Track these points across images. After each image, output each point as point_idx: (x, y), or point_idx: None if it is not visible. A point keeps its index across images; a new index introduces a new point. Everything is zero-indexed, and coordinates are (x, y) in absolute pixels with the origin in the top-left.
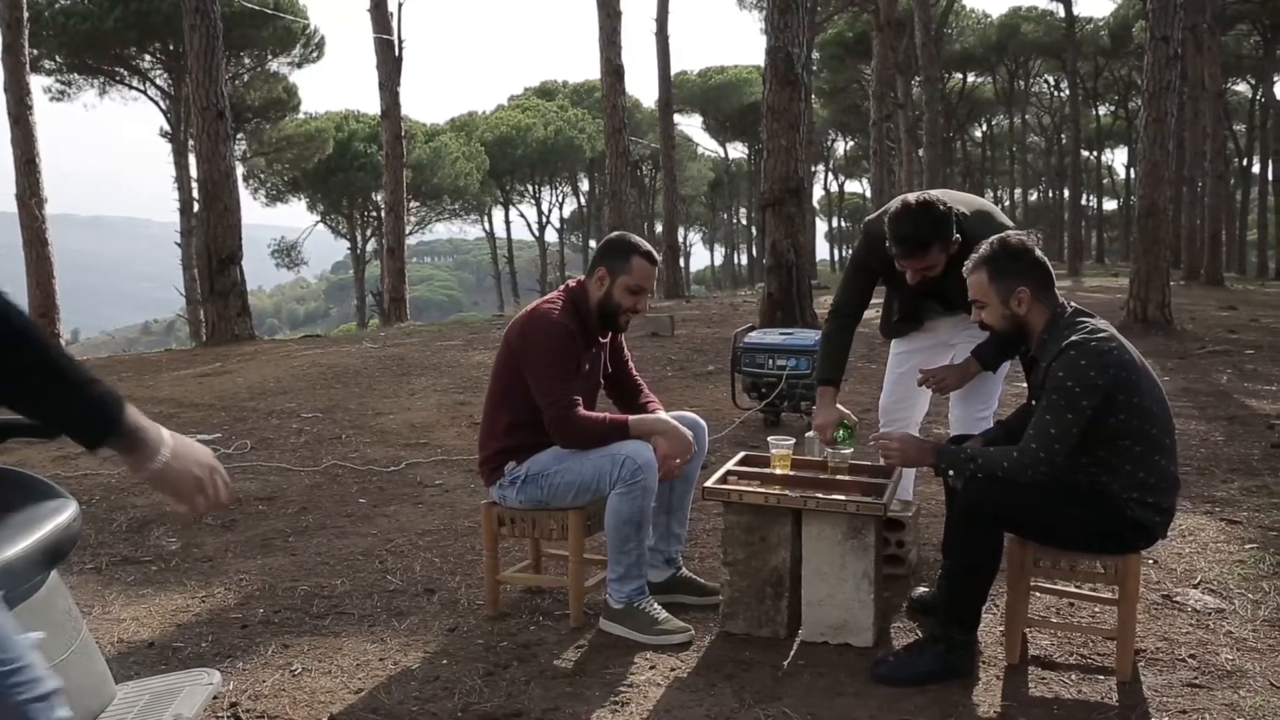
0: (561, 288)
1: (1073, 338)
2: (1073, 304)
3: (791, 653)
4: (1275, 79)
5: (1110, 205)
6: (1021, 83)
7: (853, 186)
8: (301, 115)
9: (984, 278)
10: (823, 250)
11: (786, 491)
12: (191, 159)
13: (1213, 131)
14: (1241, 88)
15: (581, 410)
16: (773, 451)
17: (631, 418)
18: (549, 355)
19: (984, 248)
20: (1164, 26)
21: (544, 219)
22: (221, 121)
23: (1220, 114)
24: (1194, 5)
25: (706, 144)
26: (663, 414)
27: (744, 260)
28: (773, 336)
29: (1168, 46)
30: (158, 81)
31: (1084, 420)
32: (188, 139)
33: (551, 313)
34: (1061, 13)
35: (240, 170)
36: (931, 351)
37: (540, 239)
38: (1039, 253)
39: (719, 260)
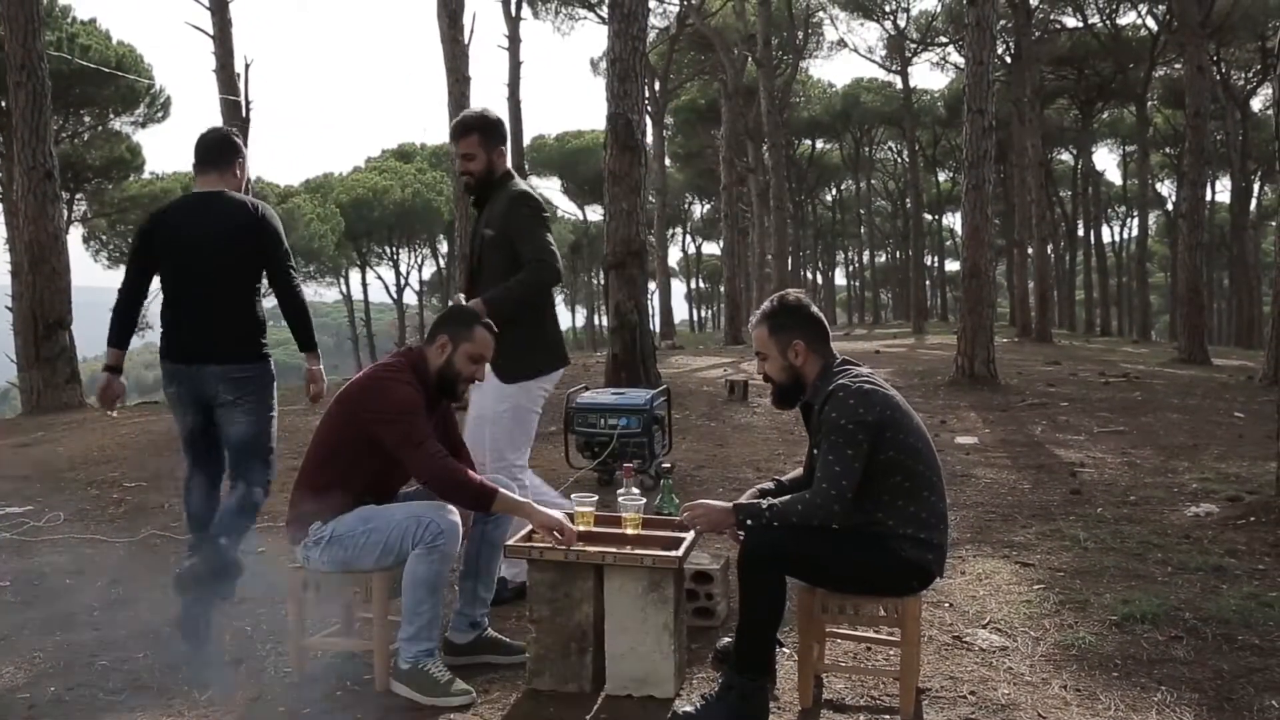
0: (395, 353)
1: (839, 381)
2: (841, 355)
3: (595, 707)
4: (1094, 149)
5: (953, 266)
6: (866, 149)
7: (710, 248)
8: (147, 175)
9: (765, 332)
10: (681, 311)
11: (587, 548)
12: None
13: (1037, 198)
14: (1066, 157)
15: (453, 460)
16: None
17: (501, 491)
18: (407, 416)
19: (765, 305)
20: (979, 100)
21: (403, 282)
22: (50, 182)
23: (1044, 182)
24: (1018, 81)
25: (566, 207)
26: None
27: (603, 321)
28: (605, 396)
29: (983, 119)
30: None
31: (863, 455)
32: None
33: (399, 379)
34: (900, 84)
35: (80, 232)
36: None
37: (399, 302)
38: (814, 309)
39: (580, 322)
